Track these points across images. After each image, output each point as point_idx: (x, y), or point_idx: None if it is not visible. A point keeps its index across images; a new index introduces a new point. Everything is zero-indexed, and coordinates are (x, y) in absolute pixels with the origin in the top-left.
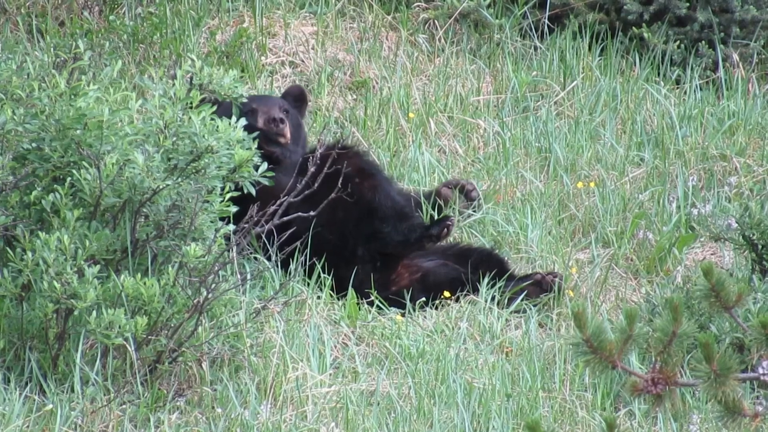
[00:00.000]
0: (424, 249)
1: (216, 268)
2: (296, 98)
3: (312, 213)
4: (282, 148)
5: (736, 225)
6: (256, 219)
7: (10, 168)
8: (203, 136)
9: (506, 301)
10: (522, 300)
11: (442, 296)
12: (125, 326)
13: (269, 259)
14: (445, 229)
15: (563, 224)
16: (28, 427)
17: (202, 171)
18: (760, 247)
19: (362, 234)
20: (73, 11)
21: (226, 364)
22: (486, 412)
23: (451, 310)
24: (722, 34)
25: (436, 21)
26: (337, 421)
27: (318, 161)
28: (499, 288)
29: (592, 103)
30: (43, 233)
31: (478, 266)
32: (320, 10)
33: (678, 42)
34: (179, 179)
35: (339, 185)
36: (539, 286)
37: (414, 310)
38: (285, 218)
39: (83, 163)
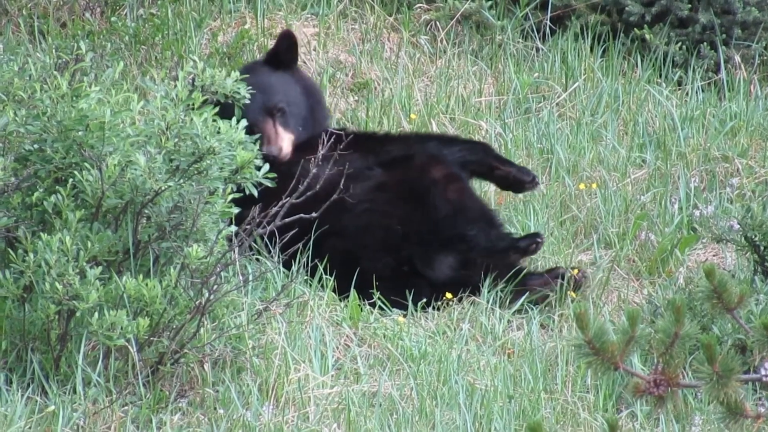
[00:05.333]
0: (508, 261)
1: (218, 269)
2: (288, 49)
3: (315, 214)
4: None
5: (738, 226)
6: (258, 220)
7: (12, 169)
8: (205, 138)
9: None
10: (533, 296)
11: (444, 297)
12: (127, 327)
13: (287, 256)
14: (534, 245)
15: (565, 225)
16: (30, 428)
17: (204, 172)
18: (762, 248)
19: (444, 235)
20: (75, 13)
21: (228, 366)
22: (488, 414)
23: (452, 311)
24: (724, 35)
25: (437, 22)
26: (339, 422)
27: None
28: (502, 290)
29: (593, 104)
30: (45, 234)
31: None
32: (322, 12)
33: (680, 43)
34: (181, 180)
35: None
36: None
37: (416, 311)
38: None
39: (85, 164)
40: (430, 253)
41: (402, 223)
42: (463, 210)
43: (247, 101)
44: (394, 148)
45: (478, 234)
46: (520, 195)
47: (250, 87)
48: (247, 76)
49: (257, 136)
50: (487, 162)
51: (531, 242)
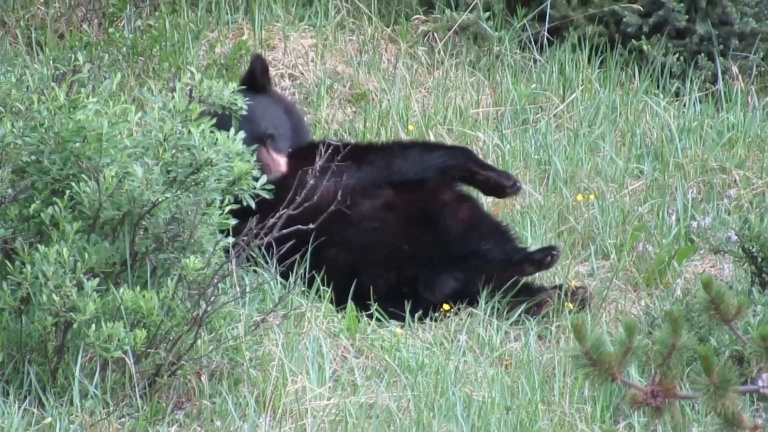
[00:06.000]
0: (522, 275)
1: (215, 280)
2: (263, 72)
3: (312, 225)
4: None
5: (736, 237)
6: (255, 231)
7: (10, 181)
8: (202, 149)
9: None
10: (531, 305)
11: (441, 309)
12: (124, 339)
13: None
14: (549, 257)
15: (563, 237)
16: None
17: (202, 183)
18: (759, 259)
19: (458, 252)
20: (73, 24)
21: (225, 377)
22: (485, 425)
23: (450, 323)
24: (721, 46)
25: (435, 33)
26: None
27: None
28: (500, 300)
29: (591, 115)
30: (42, 246)
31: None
32: (319, 23)
33: (677, 54)
34: (178, 192)
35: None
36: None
37: (413, 323)
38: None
39: (82, 175)
40: (435, 275)
41: (409, 243)
42: (476, 226)
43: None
44: (377, 157)
45: (493, 248)
46: (518, 206)
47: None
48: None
49: (254, 147)
50: (467, 167)
51: (546, 254)
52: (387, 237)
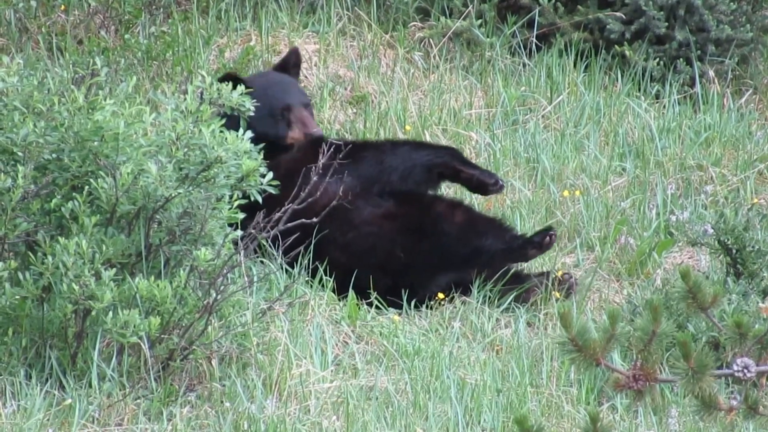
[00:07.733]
0: (526, 259)
1: (225, 271)
2: (296, 65)
3: (315, 220)
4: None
5: (712, 231)
6: (262, 225)
7: (32, 177)
8: (213, 148)
9: (519, 296)
10: (520, 293)
11: (436, 297)
12: (139, 326)
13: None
14: (548, 238)
15: None
16: (48, 420)
17: (212, 180)
18: (734, 251)
19: (461, 253)
20: (91, 30)
21: (234, 361)
22: (477, 407)
23: (444, 310)
24: (699, 51)
25: (430, 40)
26: (338, 415)
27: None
28: (491, 289)
29: (577, 116)
30: (63, 238)
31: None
32: (322, 29)
33: (657, 59)
34: (190, 188)
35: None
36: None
37: (410, 310)
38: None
39: (100, 172)
40: (431, 278)
41: (405, 251)
42: (473, 225)
43: (281, 93)
44: (370, 154)
45: (494, 241)
46: (508, 202)
47: (279, 81)
48: (276, 74)
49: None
50: (452, 165)
51: (545, 236)
52: (384, 243)
